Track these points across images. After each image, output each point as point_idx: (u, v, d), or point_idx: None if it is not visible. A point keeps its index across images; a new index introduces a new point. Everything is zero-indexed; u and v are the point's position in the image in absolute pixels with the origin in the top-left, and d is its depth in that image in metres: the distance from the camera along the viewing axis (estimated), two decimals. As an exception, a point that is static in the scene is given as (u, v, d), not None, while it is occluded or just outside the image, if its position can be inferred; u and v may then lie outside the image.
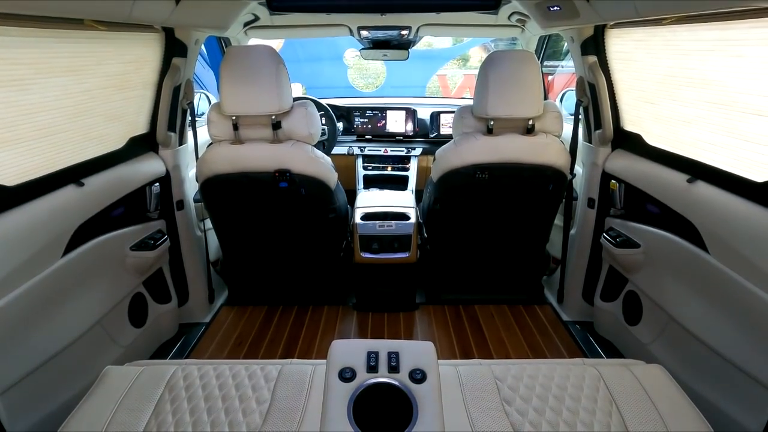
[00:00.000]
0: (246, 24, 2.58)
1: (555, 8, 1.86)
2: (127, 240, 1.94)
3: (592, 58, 2.08)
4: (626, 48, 1.91)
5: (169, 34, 2.02)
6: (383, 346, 0.94)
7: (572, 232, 2.46)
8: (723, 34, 1.36)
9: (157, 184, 2.13)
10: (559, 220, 2.47)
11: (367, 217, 2.42)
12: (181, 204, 2.28)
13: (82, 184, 1.65)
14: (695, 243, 1.59)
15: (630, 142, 2.07)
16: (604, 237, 2.09)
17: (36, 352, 1.45)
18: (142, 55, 1.93)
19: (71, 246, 1.60)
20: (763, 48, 1.24)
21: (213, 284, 2.55)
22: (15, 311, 1.35)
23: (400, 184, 3.24)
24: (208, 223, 2.47)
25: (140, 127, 2.08)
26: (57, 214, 1.53)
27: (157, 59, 2.03)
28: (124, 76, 1.84)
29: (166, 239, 2.13)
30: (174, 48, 2.06)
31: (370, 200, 2.60)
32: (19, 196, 1.40)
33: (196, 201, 2.39)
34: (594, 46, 2.06)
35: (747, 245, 1.34)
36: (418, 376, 0.88)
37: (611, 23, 1.92)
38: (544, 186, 2.11)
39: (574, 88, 2.26)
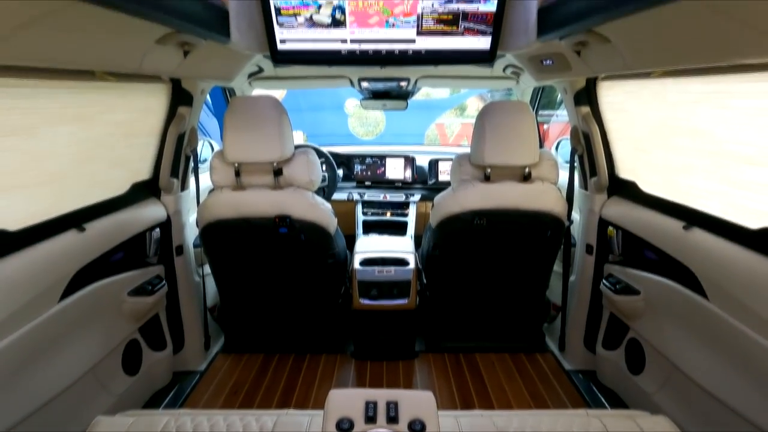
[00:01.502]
0: (250, 75, 2.68)
1: (548, 62, 1.94)
2: (125, 285, 1.93)
3: (585, 109, 2.14)
4: (617, 99, 1.98)
5: (176, 84, 2.09)
6: (382, 395, 0.92)
7: (572, 278, 2.45)
8: (709, 87, 1.42)
9: (158, 229, 2.14)
10: (558, 267, 2.47)
11: (366, 262, 2.41)
12: (180, 249, 2.28)
13: (84, 229, 1.67)
14: (695, 290, 1.58)
15: (625, 190, 2.10)
16: (604, 283, 2.08)
17: (26, 401, 1.41)
18: (149, 104, 1.98)
19: (69, 291, 1.59)
20: (749, 101, 1.28)
21: (209, 331, 2.51)
22: (7, 358, 1.32)
23: (399, 229, 3.26)
24: (207, 269, 2.46)
25: (143, 173, 2.11)
26: (56, 259, 1.53)
27: (163, 108, 2.09)
28: (130, 124, 1.89)
29: (164, 285, 2.12)
30: (180, 97, 2.12)
31: (369, 246, 2.60)
32: (20, 241, 1.41)
33: (195, 246, 2.40)
34: (587, 97, 2.13)
35: (746, 292, 1.34)
36: (417, 427, 0.85)
37: (602, 76, 2.00)
38: (542, 232, 2.12)
39: (569, 137, 2.32)
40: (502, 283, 2.35)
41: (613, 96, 2.00)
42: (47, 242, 1.51)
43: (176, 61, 1.63)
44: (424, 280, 2.51)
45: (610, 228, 2.12)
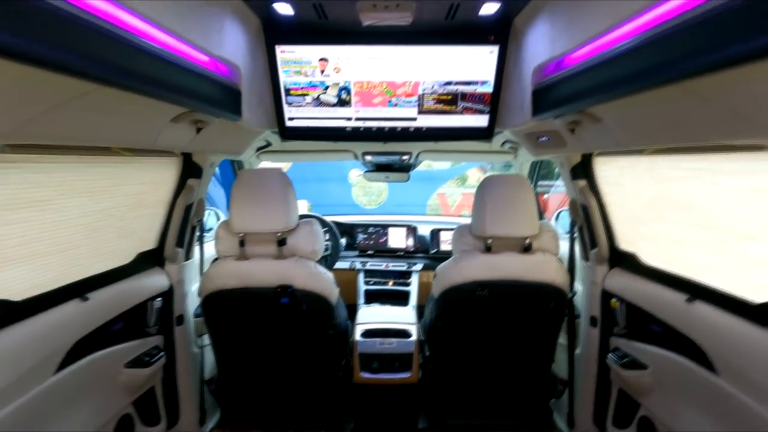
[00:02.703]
0: (259, 149, 2.79)
1: (543, 138, 2.02)
2: (122, 356, 1.90)
3: (582, 182, 2.20)
4: (613, 173, 2.04)
5: (186, 157, 2.17)
6: None
7: (577, 351, 2.40)
8: (700, 165, 1.47)
9: (160, 298, 2.14)
10: (563, 340, 2.42)
11: (367, 333, 2.38)
12: (180, 319, 2.26)
13: (87, 299, 1.67)
14: (703, 364, 1.55)
15: (626, 261, 2.11)
16: (610, 357, 2.03)
17: None
18: (159, 177, 2.06)
19: (66, 362, 1.57)
20: (737, 178, 1.33)
21: (205, 405, 2.42)
22: None
23: (401, 299, 3.23)
24: (206, 339, 2.43)
25: (149, 243, 2.15)
26: (57, 329, 1.53)
27: (173, 180, 2.16)
28: (140, 195, 1.95)
29: (162, 356, 2.08)
30: (190, 170, 2.20)
31: (370, 316, 2.57)
32: (24, 311, 1.42)
33: (196, 316, 2.38)
34: (583, 171, 2.20)
35: (754, 367, 1.31)
36: None
37: (597, 152, 2.08)
38: (545, 304, 2.10)
39: (568, 208, 2.36)
40: (507, 356, 2.29)
41: (609, 170, 2.07)
42: (49, 312, 1.51)
43: (189, 137, 1.71)
44: (427, 353, 2.46)
45: (613, 300, 2.11)
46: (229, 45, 1.56)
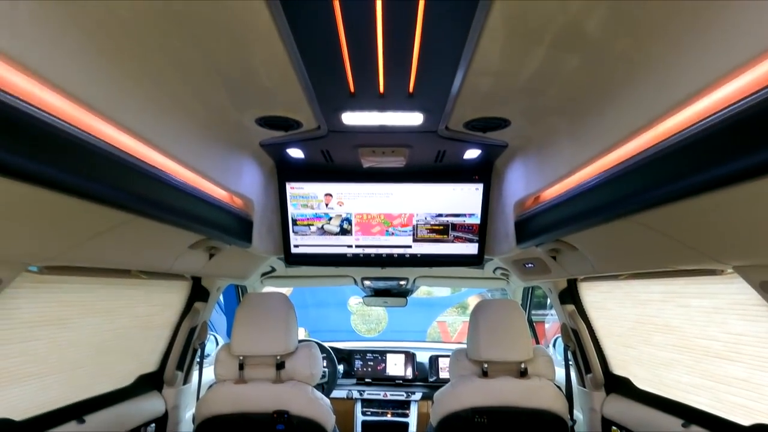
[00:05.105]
0: (263, 274, 2.93)
1: (529, 265, 2.18)
2: None
3: (570, 307, 2.30)
4: (597, 298, 2.15)
5: (196, 281, 2.30)
6: None
7: (585, 488, 2.27)
8: (669, 288, 1.60)
9: (153, 425, 2.11)
10: (569, 475, 2.31)
11: None
12: (171, 448, 2.20)
13: (83, 421, 1.67)
14: None
15: (622, 387, 2.12)
16: None
17: None
18: (168, 300, 2.17)
19: None
20: (703, 300, 1.45)
21: None
22: None
23: (400, 431, 3.11)
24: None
25: (150, 365, 2.18)
26: None
27: (181, 302, 2.26)
28: (149, 317, 2.04)
29: None
30: (198, 293, 2.31)
31: None
32: (23, 431, 1.43)
33: (186, 446, 2.31)
34: (570, 296, 2.31)
35: None
36: None
37: (580, 277, 2.22)
38: (546, 433, 2.06)
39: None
40: None
41: (594, 295, 2.18)
42: None
43: (202, 262, 1.86)
44: (427, 492, 2.32)
45: (614, 428, 2.08)
46: (245, 182, 1.79)
